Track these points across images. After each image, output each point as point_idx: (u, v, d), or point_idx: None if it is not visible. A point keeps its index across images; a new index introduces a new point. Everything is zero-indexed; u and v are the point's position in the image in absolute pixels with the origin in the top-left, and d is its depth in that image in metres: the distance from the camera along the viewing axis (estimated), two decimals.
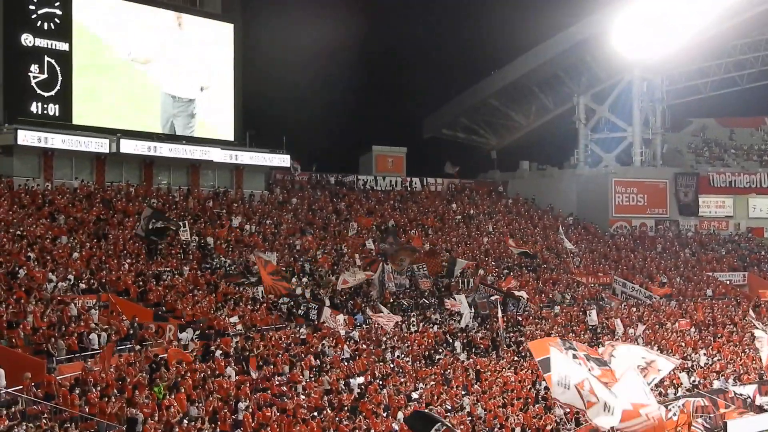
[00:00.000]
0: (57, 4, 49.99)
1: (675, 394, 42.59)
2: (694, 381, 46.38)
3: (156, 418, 27.52)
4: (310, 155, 67.93)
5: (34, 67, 48.84)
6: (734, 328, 55.91)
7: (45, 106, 49.19)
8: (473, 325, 47.40)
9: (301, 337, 39.43)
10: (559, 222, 70.40)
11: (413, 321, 45.85)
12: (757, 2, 71.87)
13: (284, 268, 47.16)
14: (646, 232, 75.78)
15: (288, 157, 60.71)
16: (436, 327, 46.25)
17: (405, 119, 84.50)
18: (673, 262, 69.84)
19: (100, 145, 50.66)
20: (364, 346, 40.54)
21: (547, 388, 34.97)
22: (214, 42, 58.18)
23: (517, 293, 50.06)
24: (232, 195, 56.80)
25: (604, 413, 25.66)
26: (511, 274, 57.45)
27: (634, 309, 56.98)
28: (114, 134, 51.41)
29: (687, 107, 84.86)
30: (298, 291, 44.70)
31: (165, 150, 53.62)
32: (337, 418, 31.68)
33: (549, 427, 36.14)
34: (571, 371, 25.93)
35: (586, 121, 79.64)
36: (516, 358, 44.25)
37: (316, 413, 31.71)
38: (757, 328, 48.71)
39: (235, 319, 39.43)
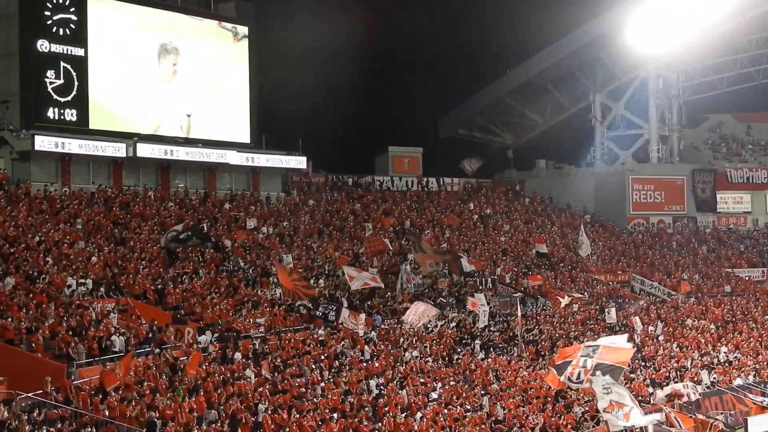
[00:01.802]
0: (72, 9, 50.15)
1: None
2: (714, 378, 46.12)
3: (176, 421, 27.55)
4: (326, 157, 68.11)
5: (50, 73, 48.98)
6: (754, 325, 55.62)
7: (62, 111, 49.33)
8: (491, 324, 47.32)
9: (320, 338, 39.43)
10: (579, 221, 70.11)
11: (432, 321, 45.78)
12: None
13: (302, 270, 47.22)
14: (664, 229, 75.48)
15: (304, 158, 60.70)
16: (453, 325, 46.21)
17: (421, 119, 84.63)
18: (692, 259, 69.55)
19: (117, 150, 50.77)
20: (383, 347, 40.52)
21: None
22: (228, 46, 58.33)
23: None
24: (249, 197, 56.86)
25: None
26: (530, 272, 57.45)
27: (653, 306, 56.76)
28: (131, 138, 51.58)
29: (703, 103, 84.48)
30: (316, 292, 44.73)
31: (182, 153, 53.73)
32: (356, 419, 31.66)
33: (569, 426, 36.02)
34: None
35: (602, 119, 79.49)
36: (535, 357, 44.17)
37: (335, 414, 31.68)
38: None
39: (261, 319, 39.46)
